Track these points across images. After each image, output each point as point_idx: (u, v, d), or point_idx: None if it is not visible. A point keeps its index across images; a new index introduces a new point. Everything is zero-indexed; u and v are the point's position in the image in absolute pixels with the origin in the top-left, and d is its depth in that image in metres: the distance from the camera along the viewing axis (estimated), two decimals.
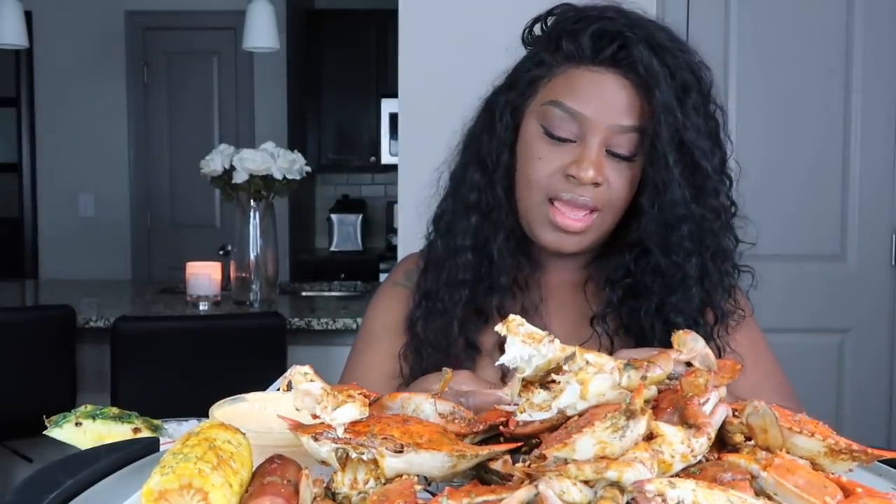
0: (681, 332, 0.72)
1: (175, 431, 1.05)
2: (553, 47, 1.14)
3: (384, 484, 0.65)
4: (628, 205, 1.13)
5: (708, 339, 1.15)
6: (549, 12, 1.17)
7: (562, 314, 1.22)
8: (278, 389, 0.98)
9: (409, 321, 1.22)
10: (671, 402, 0.68)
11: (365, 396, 0.71)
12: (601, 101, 1.09)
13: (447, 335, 1.18)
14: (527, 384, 0.73)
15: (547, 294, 1.22)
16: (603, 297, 1.18)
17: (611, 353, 1.14)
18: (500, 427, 0.73)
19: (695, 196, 1.10)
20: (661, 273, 1.12)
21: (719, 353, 1.16)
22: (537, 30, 1.19)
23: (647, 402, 0.67)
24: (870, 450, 0.68)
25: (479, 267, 1.18)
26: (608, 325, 1.17)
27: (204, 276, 3.44)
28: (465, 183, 1.19)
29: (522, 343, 0.72)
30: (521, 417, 0.70)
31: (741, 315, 1.19)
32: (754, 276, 1.21)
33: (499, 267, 1.17)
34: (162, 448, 0.83)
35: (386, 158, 5.88)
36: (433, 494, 0.66)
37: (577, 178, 1.08)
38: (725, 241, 1.15)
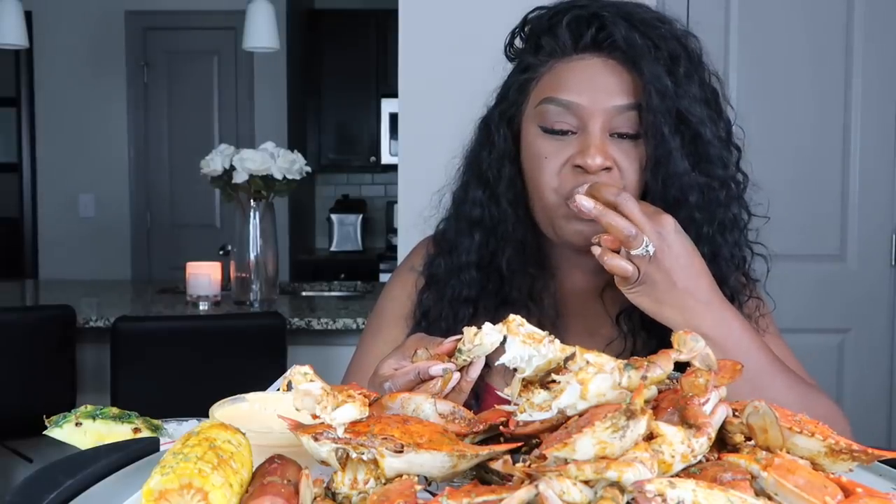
0: (681, 332, 0.72)
1: (175, 431, 1.05)
2: (534, 49, 1.13)
3: (384, 484, 0.65)
4: (643, 189, 1.09)
5: None
6: (524, 20, 1.16)
7: (580, 321, 1.19)
8: (278, 389, 0.98)
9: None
10: (671, 402, 0.68)
11: (365, 396, 0.71)
12: (592, 86, 1.07)
13: None
14: (527, 384, 0.73)
15: (563, 303, 1.19)
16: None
17: (633, 352, 1.13)
18: (500, 427, 0.73)
19: (697, 165, 1.08)
20: None
21: None
22: (518, 42, 1.18)
23: (647, 402, 0.67)
24: (870, 450, 0.68)
25: (487, 283, 1.16)
26: (633, 322, 1.14)
27: (204, 276, 3.44)
28: (468, 201, 1.18)
29: (522, 343, 0.72)
30: (521, 417, 0.70)
31: (760, 304, 1.17)
32: (768, 259, 1.18)
33: (510, 281, 1.15)
34: (162, 448, 0.83)
35: (386, 158, 5.89)
36: (433, 494, 0.66)
37: (584, 168, 1.05)
38: (735, 212, 1.12)
